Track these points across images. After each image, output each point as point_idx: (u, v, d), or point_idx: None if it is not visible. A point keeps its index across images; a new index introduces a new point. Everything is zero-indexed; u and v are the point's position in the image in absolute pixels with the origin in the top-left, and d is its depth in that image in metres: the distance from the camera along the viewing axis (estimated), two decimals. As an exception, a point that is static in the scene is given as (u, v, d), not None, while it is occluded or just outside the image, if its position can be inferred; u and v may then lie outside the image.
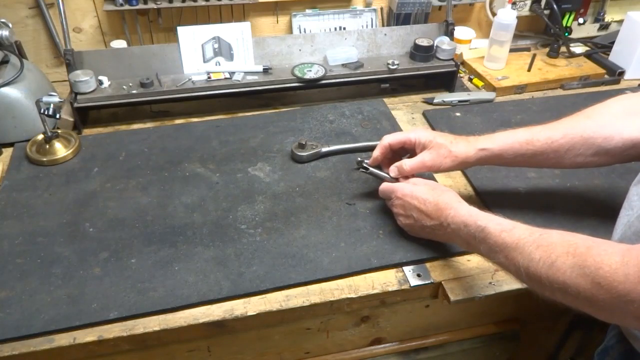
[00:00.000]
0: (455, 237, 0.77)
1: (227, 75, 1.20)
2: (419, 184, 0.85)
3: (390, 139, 0.90)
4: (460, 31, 1.43)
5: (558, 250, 0.61)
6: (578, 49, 1.48)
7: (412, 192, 0.83)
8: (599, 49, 1.47)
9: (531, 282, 0.64)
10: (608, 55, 1.45)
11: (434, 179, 1.01)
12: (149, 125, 1.19)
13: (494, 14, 1.46)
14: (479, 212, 0.75)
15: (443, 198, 0.80)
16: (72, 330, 0.73)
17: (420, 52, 1.27)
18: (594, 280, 0.56)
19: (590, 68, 1.40)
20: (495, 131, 1.13)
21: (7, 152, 1.07)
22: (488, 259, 0.72)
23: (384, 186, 0.89)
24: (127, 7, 1.24)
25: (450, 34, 1.32)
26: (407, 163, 0.87)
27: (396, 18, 1.41)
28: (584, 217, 0.93)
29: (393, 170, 0.88)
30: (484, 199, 0.97)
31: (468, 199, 0.98)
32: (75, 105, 1.11)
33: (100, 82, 1.14)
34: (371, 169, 0.92)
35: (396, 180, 0.89)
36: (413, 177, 0.88)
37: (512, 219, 0.91)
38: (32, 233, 0.88)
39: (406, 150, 0.92)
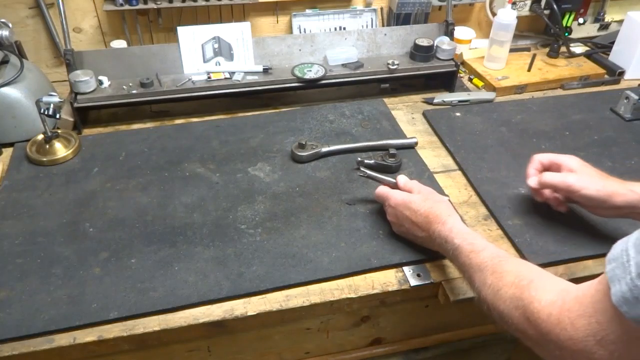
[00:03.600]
0: (442, 250, 0.78)
1: (227, 75, 1.20)
2: (414, 191, 0.84)
3: (540, 156, 0.89)
4: (460, 31, 1.43)
5: (506, 279, 0.62)
6: (578, 49, 1.48)
7: (404, 202, 0.83)
8: (599, 49, 1.47)
9: (481, 306, 0.66)
10: (608, 55, 1.45)
11: (435, 181, 1.01)
12: (149, 125, 1.19)
13: (494, 14, 1.46)
14: (460, 230, 0.75)
15: (433, 210, 0.79)
16: (72, 330, 0.73)
17: (420, 52, 1.27)
18: (524, 313, 0.57)
19: (590, 68, 1.40)
20: (496, 131, 1.15)
21: (7, 152, 1.07)
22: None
23: (379, 191, 0.89)
24: (127, 7, 1.24)
25: (450, 34, 1.32)
26: (548, 174, 0.84)
27: (396, 18, 1.41)
28: (584, 217, 0.92)
29: (533, 181, 0.86)
30: (484, 199, 0.97)
31: (468, 199, 0.98)
32: (75, 105, 1.11)
33: (100, 82, 1.14)
34: (369, 172, 0.92)
35: (394, 185, 0.89)
36: (411, 181, 0.88)
37: (513, 219, 0.92)
38: (32, 233, 0.88)
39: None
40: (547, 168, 0.88)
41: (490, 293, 0.63)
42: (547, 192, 0.88)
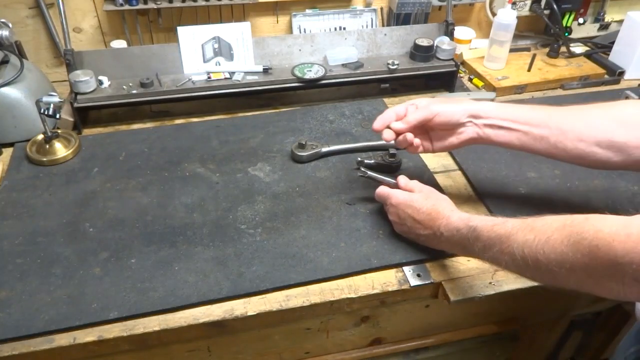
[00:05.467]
0: (450, 244, 0.77)
1: (227, 75, 1.20)
2: (415, 190, 0.84)
3: (392, 109, 0.88)
4: (460, 31, 1.43)
5: (553, 226, 0.61)
6: (578, 49, 1.48)
7: (405, 201, 0.83)
8: (599, 49, 1.47)
9: (526, 265, 0.63)
10: (608, 55, 1.45)
11: (435, 181, 1.01)
12: (149, 125, 1.19)
13: (494, 14, 1.46)
14: (471, 215, 0.75)
15: (436, 207, 0.79)
16: (72, 330, 0.73)
17: (420, 52, 1.27)
18: (591, 243, 0.55)
19: (590, 68, 1.40)
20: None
21: (7, 152, 1.07)
22: (484, 259, 0.71)
23: (380, 191, 0.88)
24: (127, 7, 1.24)
25: (450, 34, 1.32)
26: (411, 115, 0.84)
27: (396, 18, 1.41)
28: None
29: (387, 132, 0.85)
30: (484, 199, 0.97)
31: (468, 199, 0.98)
32: (75, 105, 1.11)
33: (100, 82, 1.14)
34: (369, 172, 0.92)
35: (394, 185, 0.89)
36: (412, 181, 0.88)
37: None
38: (32, 233, 0.88)
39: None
40: (400, 117, 0.86)
41: (539, 244, 0.61)
42: (404, 138, 0.86)
